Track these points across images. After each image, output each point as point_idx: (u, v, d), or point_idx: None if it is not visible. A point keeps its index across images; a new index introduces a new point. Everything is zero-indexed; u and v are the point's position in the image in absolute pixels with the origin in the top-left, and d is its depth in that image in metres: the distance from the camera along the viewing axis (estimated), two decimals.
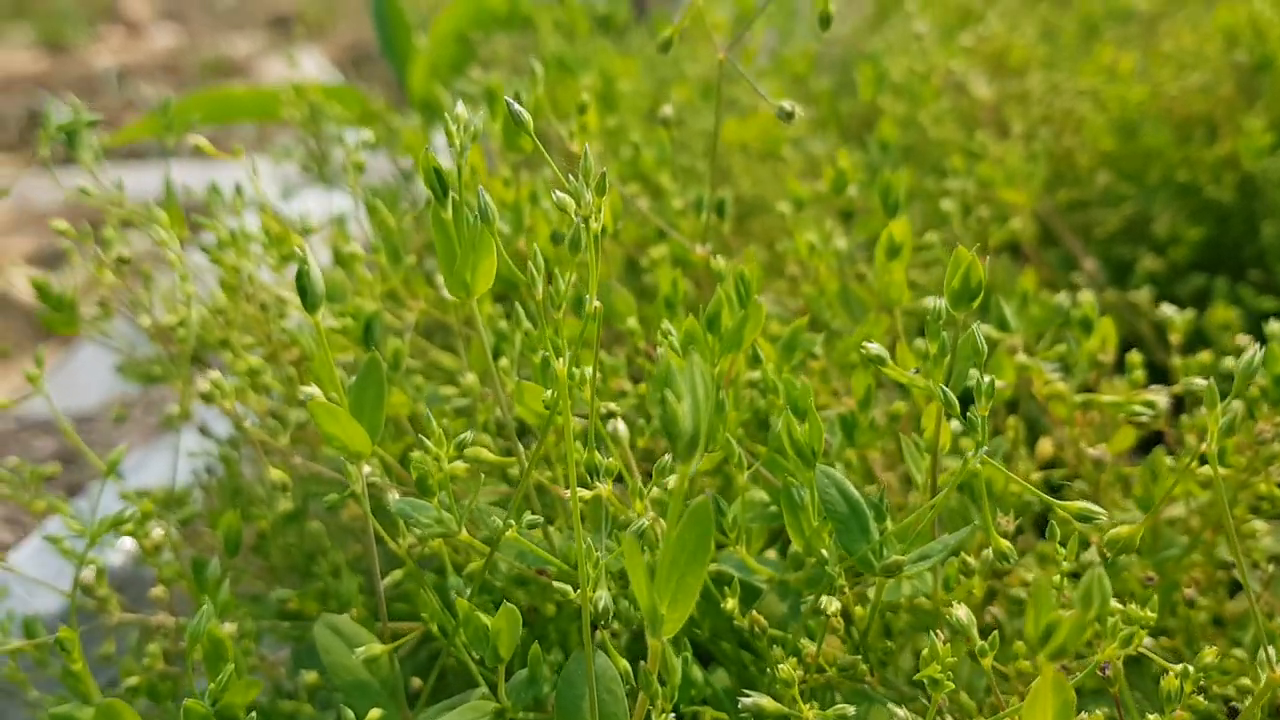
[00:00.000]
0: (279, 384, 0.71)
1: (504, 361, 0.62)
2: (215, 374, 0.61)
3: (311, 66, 3.06)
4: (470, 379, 0.66)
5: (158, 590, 0.67)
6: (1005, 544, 0.50)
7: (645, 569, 0.37)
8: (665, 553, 0.37)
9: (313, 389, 0.55)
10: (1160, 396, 0.61)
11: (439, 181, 0.52)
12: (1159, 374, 0.93)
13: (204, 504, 0.86)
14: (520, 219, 0.69)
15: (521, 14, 0.95)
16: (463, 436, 0.50)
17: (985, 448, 0.46)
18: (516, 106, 0.49)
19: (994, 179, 0.91)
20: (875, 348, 0.51)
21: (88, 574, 0.64)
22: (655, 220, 0.73)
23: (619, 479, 0.53)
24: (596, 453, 0.50)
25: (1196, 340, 0.94)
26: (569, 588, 0.52)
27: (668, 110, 0.70)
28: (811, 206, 1.09)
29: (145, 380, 0.79)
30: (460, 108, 0.53)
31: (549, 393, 0.51)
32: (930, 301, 0.51)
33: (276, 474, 0.61)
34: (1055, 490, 0.67)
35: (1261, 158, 0.87)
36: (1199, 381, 0.60)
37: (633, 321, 0.66)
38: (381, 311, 0.68)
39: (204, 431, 0.81)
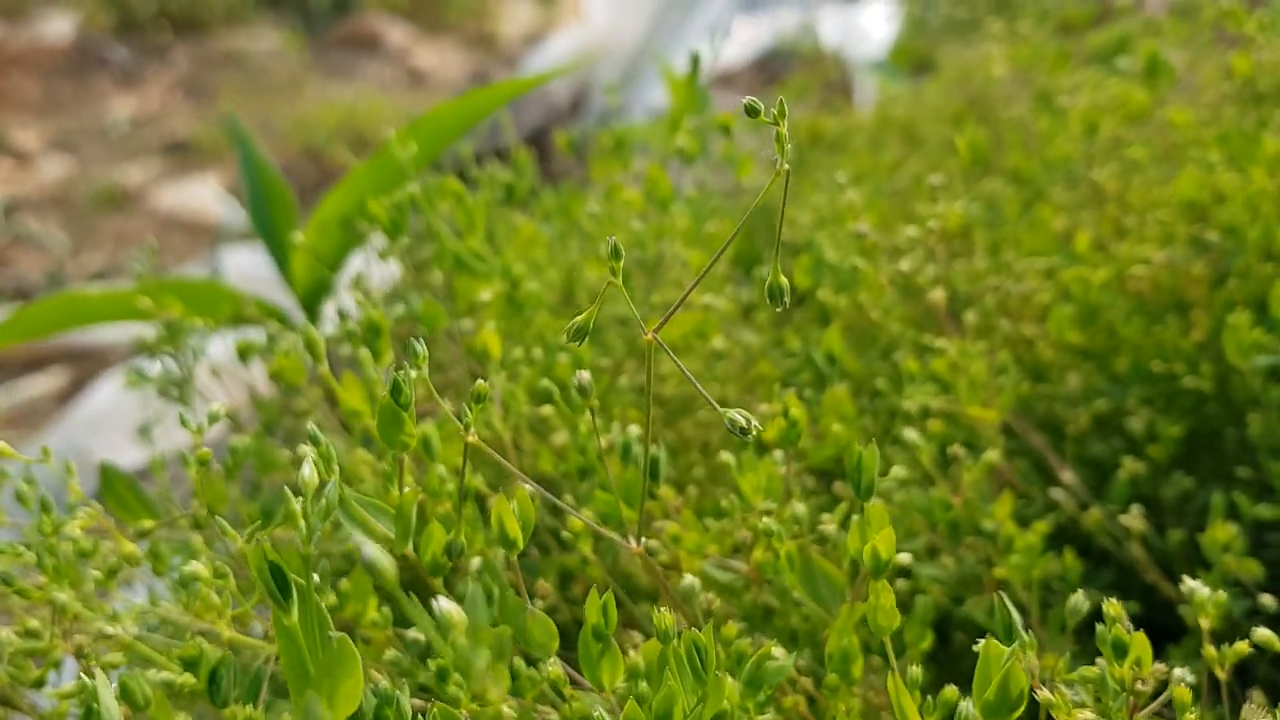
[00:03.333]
0: None
1: None
2: None
3: (206, 194, 2.89)
4: None
5: None
6: None
7: None
8: None
9: None
10: None
11: (279, 584, 0.37)
12: (1155, 605, 0.81)
13: None
14: (407, 527, 0.53)
15: (404, 222, 0.80)
16: None
17: None
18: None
19: (954, 385, 0.78)
20: None
21: None
22: (576, 514, 0.58)
23: None
24: None
25: (1192, 556, 0.82)
26: None
27: (585, 376, 0.55)
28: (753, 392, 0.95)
29: None
30: (307, 469, 0.38)
31: None
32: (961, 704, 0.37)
33: None
34: None
35: (1250, 354, 0.76)
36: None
37: (555, 667, 0.50)
38: (231, 657, 0.52)
39: None
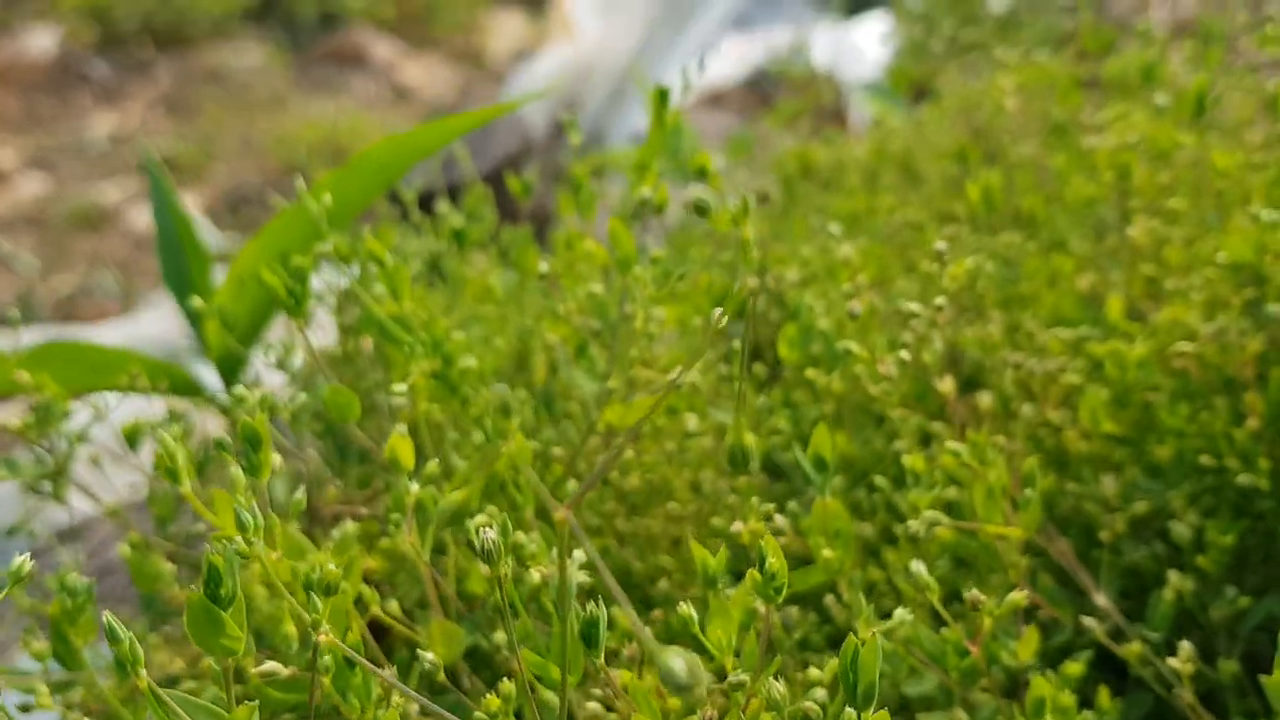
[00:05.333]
0: None
1: None
2: None
3: None
4: None
5: None
6: None
7: None
8: None
9: None
10: None
11: None
12: None
13: None
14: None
15: (304, 293, 0.65)
16: None
17: None
18: None
19: (967, 486, 0.63)
20: None
21: None
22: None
23: None
24: None
25: (1245, 685, 0.68)
26: None
27: (490, 537, 0.40)
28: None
29: None
30: None
31: None
32: None
33: None
34: None
35: None
36: None
37: None
38: None
39: None
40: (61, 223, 2.77)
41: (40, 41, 3.43)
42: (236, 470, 0.54)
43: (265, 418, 0.55)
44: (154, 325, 2.10)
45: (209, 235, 2.64)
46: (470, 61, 3.64)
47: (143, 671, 0.37)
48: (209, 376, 0.90)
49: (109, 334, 1.98)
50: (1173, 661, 0.60)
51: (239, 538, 0.50)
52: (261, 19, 3.68)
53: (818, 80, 1.81)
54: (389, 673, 0.43)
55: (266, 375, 0.94)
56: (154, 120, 3.22)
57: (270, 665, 0.45)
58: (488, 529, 0.40)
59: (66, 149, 3.09)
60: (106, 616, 0.36)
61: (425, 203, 1.06)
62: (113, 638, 0.36)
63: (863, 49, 2.33)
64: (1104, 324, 0.75)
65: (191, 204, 2.80)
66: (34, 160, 3.05)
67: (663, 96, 0.74)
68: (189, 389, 0.84)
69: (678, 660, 0.28)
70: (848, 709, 0.38)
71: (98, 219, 2.77)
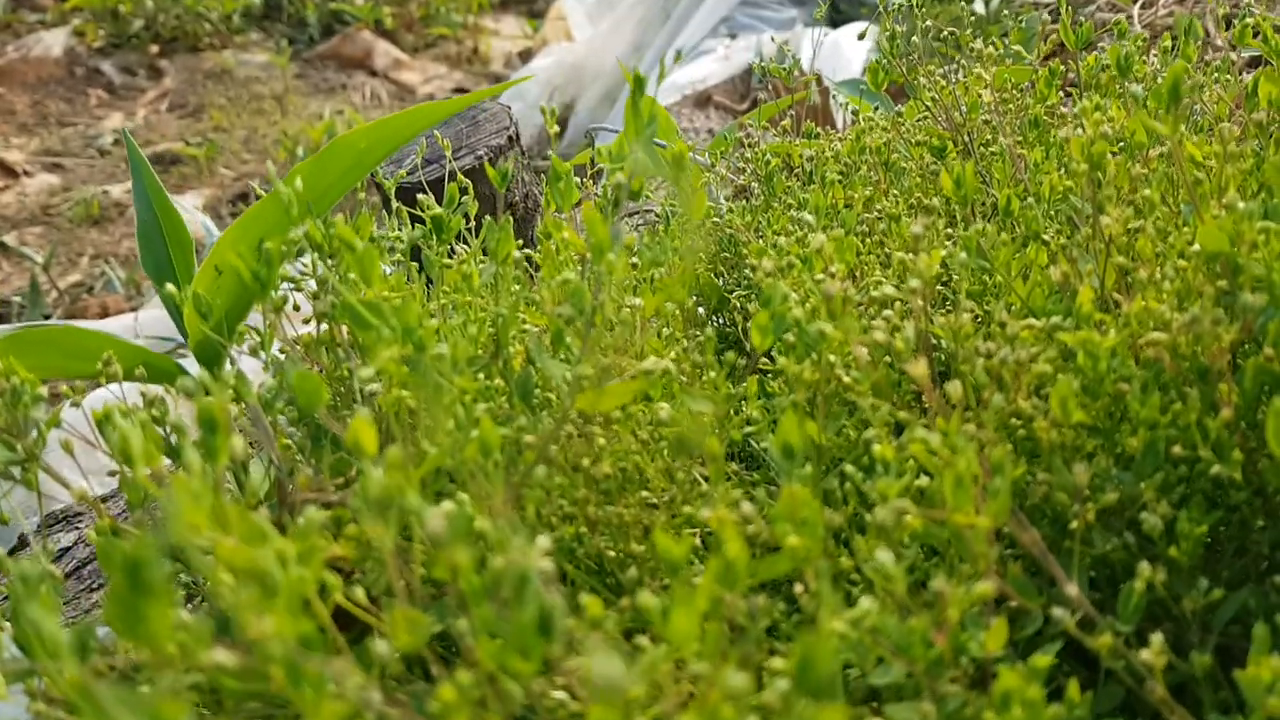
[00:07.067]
0: None
1: None
2: None
3: (188, 211, 2.70)
4: None
5: None
6: None
7: None
8: None
9: None
10: None
11: None
12: None
13: None
14: None
15: (271, 277, 0.62)
16: None
17: None
18: None
19: (936, 474, 0.61)
20: None
21: None
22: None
23: None
24: None
25: (1219, 676, 0.65)
26: None
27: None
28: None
29: None
30: None
31: None
32: None
33: None
34: None
35: None
36: None
37: None
38: None
39: None
40: (69, 219, 2.73)
41: (49, 41, 3.39)
42: (192, 454, 0.51)
43: (226, 401, 0.52)
44: (159, 322, 2.08)
45: (210, 232, 2.61)
46: (469, 64, 3.61)
47: (75, 662, 0.34)
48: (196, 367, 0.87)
49: (112, 329, 1.95)
50: (1145, 654, 0.57)
51: (193, 523, 0.47)
52: (267, 20, 3.64)
53: (803, 81, 1.78)
54: (342, 662, 0.40)
55: (250, 364, 0.91)
56: (160, 119, 3.19)
57: (221, 654, 0.42)
58: (439, 516, 0.37)
59: (75, 147, 3.05)
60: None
61: (409, 195, 1.03)
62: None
63: (848, 54, 2.30)
64: (1076, 315, 0.72)
65: (195, 202, 2.77)
66: (43, 158, 3.01)
67: (639, 83, 0.71)
68: (167, 376, 0.81)
69: (609, 662, 0.25)
70: (802, 702, 0.35)
71: (104, 215, 2.74)
